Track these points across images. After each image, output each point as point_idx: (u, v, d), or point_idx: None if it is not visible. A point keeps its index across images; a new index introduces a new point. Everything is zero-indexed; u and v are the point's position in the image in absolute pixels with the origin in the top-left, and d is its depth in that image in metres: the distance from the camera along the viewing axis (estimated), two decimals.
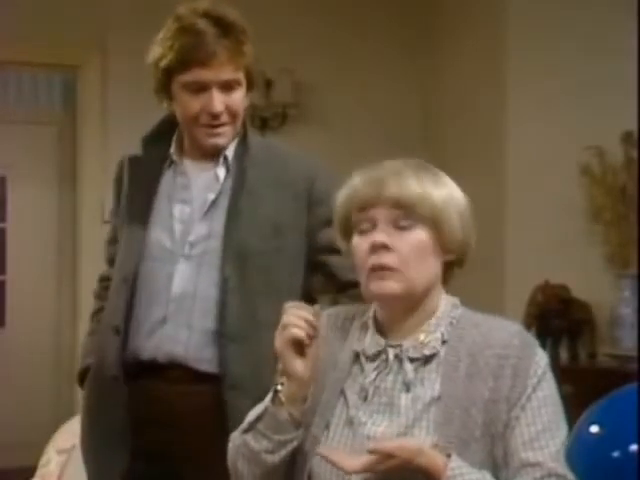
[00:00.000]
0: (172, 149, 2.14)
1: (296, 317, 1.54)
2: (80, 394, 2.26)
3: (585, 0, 4.21)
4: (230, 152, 2.11)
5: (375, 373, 1.57)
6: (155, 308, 2.04)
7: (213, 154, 2.10)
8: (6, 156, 5.87)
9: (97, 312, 2.28)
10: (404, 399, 1.54)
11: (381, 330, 1.61)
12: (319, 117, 4.96)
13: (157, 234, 2.08)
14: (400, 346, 1.57)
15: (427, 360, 1.55)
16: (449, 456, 1.43)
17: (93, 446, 2.14)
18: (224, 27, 2.00)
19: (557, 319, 4.05)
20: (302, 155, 2.20)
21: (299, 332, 1.53)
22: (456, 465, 1.42)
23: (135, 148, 2.22)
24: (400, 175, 1.53)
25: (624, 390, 1.16)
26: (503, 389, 1.49)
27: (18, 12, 4.52)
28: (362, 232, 1.57)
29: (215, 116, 2.03)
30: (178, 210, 2.09)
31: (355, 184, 1.57)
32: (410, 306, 1.57)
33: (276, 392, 1.58)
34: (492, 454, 1.49)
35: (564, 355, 4.10)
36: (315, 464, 1.56)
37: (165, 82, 2.05)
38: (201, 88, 2.01)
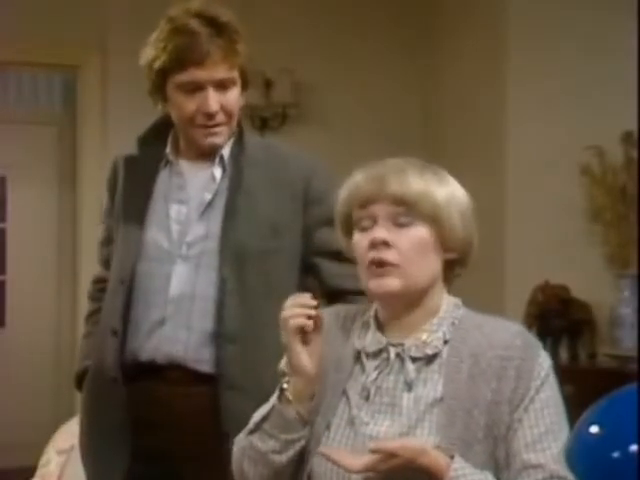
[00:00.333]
0: (168, 149, 2.14)
1: (296, 306, 1.54)
2: (79, 395, 2.26)
3: (585, 0, 4.21)
4: (226, 152, 2.11)
5: (376, 372, 1.57)
6: (153, 309, 2.04)
7: (209, 154, 2.10)
8: (6, 156, 5.87)
9: (92, 314, 2.27)
10: (406, 399, 1.53)
11: (382, 328, 1.61)
12: (319, 117, 4.96)
13: (154, 235, 2.08)
14: (402, 345, 1.56)
15: (429, 360, 1.55)
16: (452, 457, 1.43)
17: (92, 448, 2.14)
18: (217, 27, 2.00)
19: (557, 319, 4.05)
20: (299, 154, 2.20)
21: (302, 320, 1.53)
22: (459, 466, 1.42)
23: (135, 148, 2.22)
24: (402, 172, 1.54)
25: (624, 390, 1.16)
26: (506, 391, 1.49)
27: (18, 12, 4.52)
28: (363, 229, 1.57)
29: (211, 116, 2.02)
30: (174, 210, 2.09)
31: (357, 181, 1.57)
32: (410, 303, 1.57)
33: (282, 391, 1.57)
34: (494, 456, 1.48)
35: (564, 355, 4.10)
36: (316, 464, 1.56)
37: (159, 84, 2.04)
38: (196, 88, 2.01)
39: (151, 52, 2.03)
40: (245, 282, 2.03)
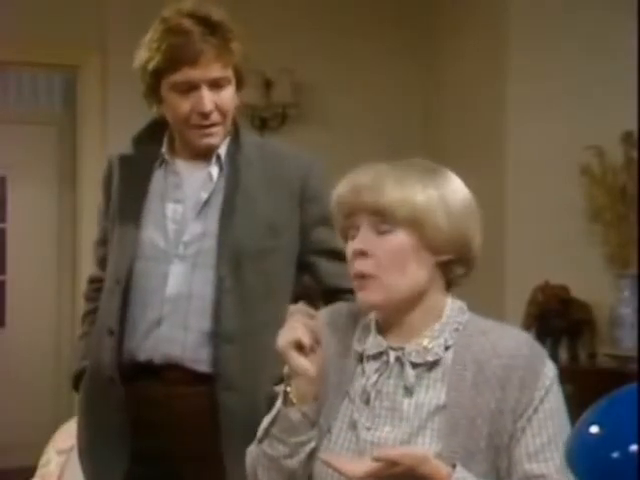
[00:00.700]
0: (164, 148, 2.14)
1: (302, 324, 1.53)
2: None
3: (586, 0, 4.22)
4: (223, 151, 2.11)
5: (376, 375, 1.56)
6: (150, 309, 2.04)
7: (205, 153, 2.10)
8: (6, 156, 5.87)
9: (88, 314, 2.27)
10: (406, 404, 1.52)
11: (382, 331, 1.59)
12: (319, 117, 4.96)
13: (150, 234, 2.08)
14: (402, 349, 1.55)
15: (431, 366, 1.54)
16: (454, 466, 1.42)
17: (90, 449, 2.14)
18: (210, 26, 2.00)
19: (557, 319, 4.05)
20: (296, 153, 2.20)
21: (305, 338, 1.52)
22: (461, 476, 1.41)
23: (130, 148, 2.22)
24: (377, 180, 1.52)
25: (624, 390, 1.15)
26: (510, 400, 1.47)
27: (18, 12, 4.52)
28: (351, 237, 1.57)
29: (205, 115, 2.02)
30: (171, 210, 2.09)
31: (338, 192, 1.58)
32: (401, 310, 1.56)
33: (286, 394, 1.57)
34: (496, 465, 1.47)
35: (564, 355, 4.10)
36: (317, 466, 1.55)
37: (154, 85, 2.05)
38: (190, 88, 2.01)
39: (145, 53, 2.03)
40: (242, 281, 2.03)
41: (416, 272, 1.53)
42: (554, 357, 3.92)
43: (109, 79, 4.62)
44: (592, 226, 4.19)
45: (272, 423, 1.58)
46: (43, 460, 3.06)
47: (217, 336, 2.00)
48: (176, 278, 2.04)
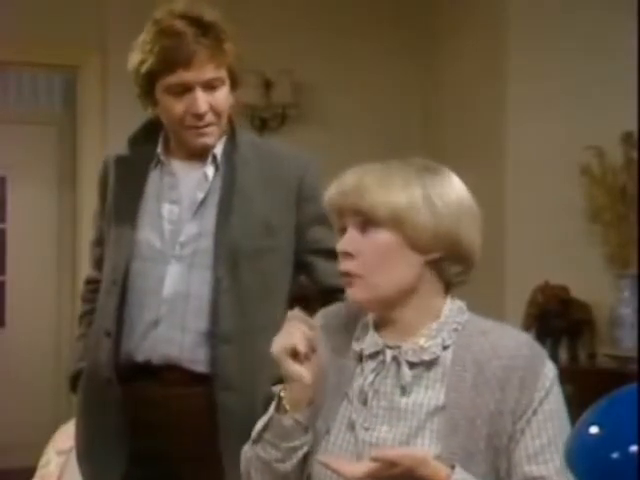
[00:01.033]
0: (159, 149, 2.14)
1: (299, 331, 1.53)
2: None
3: (585, 0, 4.21)
4: (219, 150, 2.11)
5: (373, 375, 1.56)
6: (147, 310, 2.04)
7: (201, 153, 2.10)
8: (6, 156, 5.87)
9: (85, 315, 2.27)
10: (404, 404, 1.52)
11: (379, 330, 1.60)
12: (319, 118, 4.96)
13: (146, 235, 2.07)
14: (399, 348, 1.55)
15: (430, 366, 1.54)
16: (453, 467, 1.42)
17: (89, 450, 2.14)
18: (203, 27, 2.00)
19: (557, 319, 4.05)
20: (292, 152, 2.20)
21: (300, 346, 1.51)
22: (460, 477, 1.41)
23: (125, 148, 2.22)
24: (359, 182, 1.54)
25: (624, 391, 1.15)
26: (509, 401, 1.47)
27: (18, 12, 4.52)
28: (342, 234, 1.59)
29: (200, 116, 2.02)
30: (167, 210, 2.08)
31: (327, 194, 1.60)
32: (391, 307, 1.56)
33: (279, 399, 1.57)
34: (495, 466, 1.47)
35: (564, 355, 4.10)
36: (315, 468, 1.55)
37: (148, 87, 2.05)
38: (184, 89, 2.01)
39: (138, 56, 2.03)
40: (240, 281, 2.03)
41: (402, 271, 1.54)
42: (554, 357, 3.91)
43: (109, 79, 4.62)
44: (592, 226, 4.19)
45: (265, 428, 1.58)
46: (43, 461, 3.06)
47: (215, 336, 2.00)
48: (173, 278, 2.03)
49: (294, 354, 1.52)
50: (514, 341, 1.53)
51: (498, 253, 4.19)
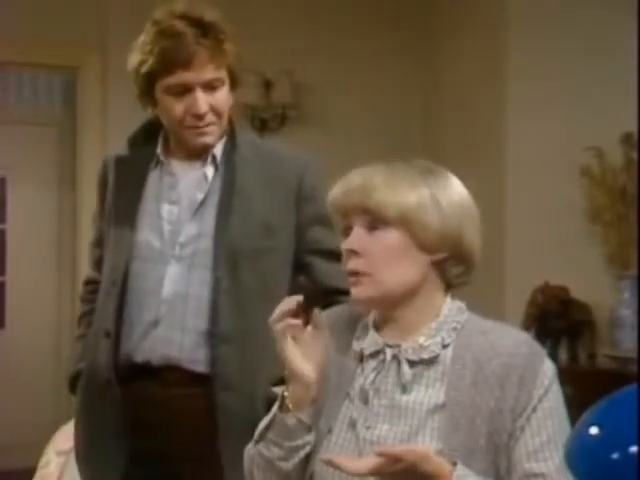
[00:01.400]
0: (159, 149, 2.14)
1: (281, 312, 1.55)
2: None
3: (585, 0, 4.22)
4: (218, 151, 2.11)
5: (374, 374, 1.57)
6: (147, 310, 2.04)
7: (201, 154, 2.10)
8: (6, 157, 5.87)
9: (84, 316, 2.27)
10: (405, 402, 1.53)
11: (380, 330, 1.61)
12: (319, 118, 4.96)
13: (146, 235, 2.07)
14: (398, 346, 1.56)
15: (430, 365, 1.54)
16: (455, 464, 1.42)
17: (88, 451, 2.14)
18: (203, 27, 2.00)
19: (557, 320, 4.05)
20: (292, 152, 2.20)
21: (284, 324, 1.54)
22: (462, 473, 1.41)
23: (125, 148, 2.21)
24: (366, 182, 1.55)
25: (624, 391, 1.15)
26: (509, 399, 1.48)
27: (18, 12, 4.52)
28: (346, 236, 1.59)
29: (200, 117, 2.02)
30: (166, 210, 2.08)
31: (332, 194, 1.61)
32: (395, 307, 1.57)
33: (283, 398, 1.57)
34: (496, 464, 1.48)
35: (564, 356, 4.10)
36: (318, 467, 1.55)
37: (148, 88, 2.05)
38: (184, 90, 2.01)
39: (137, 56, 2.03)
40: (239, 281, 2.03)
41: (408, 270, 1.55)
42: (554, 358, 3.89)
43: (109, 80, 4.62)
44: (592, 227, 4.19)
45: (268, 427, 1.58)
46: (43, 461, 3.06)
47: (214, 336, 2.00)
48: (172, 279, 2.03)
49: (294, 338, 1.53)
50: (513, 340, 1.54)
51: (498, 253, 4.19)
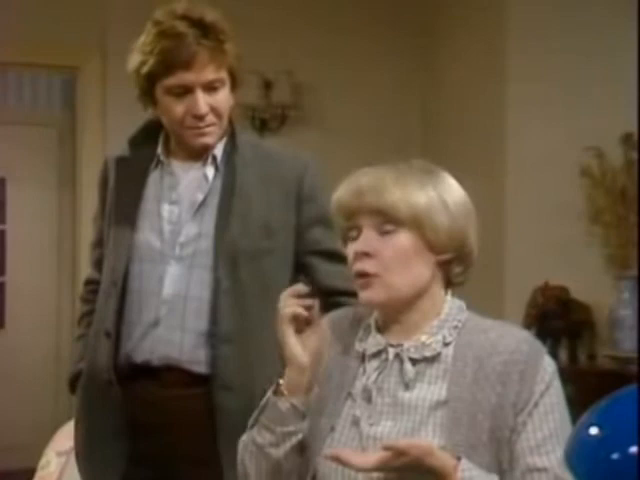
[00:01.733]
0: (159, 150, 2.14)
1: (290, 296, 1.57)
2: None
3: (585, 0, 4.21)
4: (219, 151, 2.11)
5: (376, 373, 1.58)
6: (147, 311, 2.04)
7: (201, 154, 2.10)
8: (6, 158, 5.87)
9: (84, 316, 2.26)
10: (407, 399, 1.54)
11: (382, 331, 1.61)
12: (318, 118, 4.95)
13: (146, 235, 2.07)
14: (401, 346, 1.57)
15: (432, 363, 1.55)
16: (459, 459, 1.43)
17: (88, 451, 2.14)
18: (203, 27, 1.99)
19: (557, 320, 4.05)
20: (292, 153, 2.20)
21: (293, 308, 1.55)
22: (467, 467, 1.42)
23: (125, 149, 2.21)
24: (378, 182, 1.54)
25: (624, 392, 1.15)
26: (510, 394, 1.49)
27: (18, 13, 4.52)
28: (352, 239, 1.59)
29: (200, 118, 2.02)
30: (166, 210, 2.08)
31: (338, 195, 1.60)
32: (404, 307, 1.58)
33: (278, 385, 1.59)
34: (498, 459, 1.48)
35: (564, 356, 4.10)
36: (320, 464, 1.56)
37: (148, 88, 2.04)
38: (185, 91, 2.00)
39: (138, 57, 2.03)
40: (239, 282, 2.03)
41: (419, 271, 1.56)
42: (554, 358, 3.87)
43: (109, 81, 4.62)
44: (592, 227, 4.19)
45: (261, 411, 1.60)
46: (42, 462, 3.05)
47: (214, 337, 2.00)
48: (172, 279, 2.04)
49: (296, 324, 1.56)
50: (514, 338, 1.55)
51: (498, 253, 4.19)
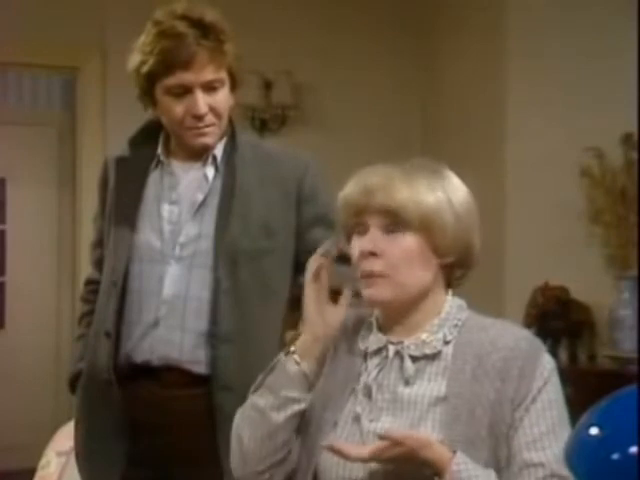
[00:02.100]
0: (159, 150, 2.14)
1: (316, 257, 1.61)
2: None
3: (585, 0, 4.21)
4: (219, 151, 2.11)
5: (377, 370, 1.59)
6: (147, 311, 2.04)
7: (201, 154, 2.10)
8: (6, 158, 5.87)
9: (84, 316, 2.27)
10: (407, 395, 1.55)
11: (383, 329, 1.62)
12: (318, 119, 4.95)
13: (146, 235, 2.08)
14: (401, 343, 1.58)
15: (431, 360, 1.56)
16: (455, 452, 1.44)
17: (87, 451, 2.14)
18: (203, 28, 2.00)
19: (556, 320, 4.05)
20: (292, 153, 2.20)
21: (314, 265, 1.61)
22: (462, 460, 1.43)
23: (126, 149, 2.21)
24: (388, 182, 1.54)
25: (624, 392, 1.15)
26: (508, 390, 1.50)
27: (18, 14, 4.52)
28: (358, 233, 1.59)
29: (200, 118, 2.03)
30: (167, 211, 2.09)
31: (347, 193, 1.60)
32: (405, 308, 1.59)
33: (289, 352, 1.61)
34: (496, 454, 1.49)
35: (563, 357, 4.10)
36: (322, 459, 1.57)
37: (148, 88, 2.05)
38: (184, 91, 2.01)
39: (138, 57, 2.03)
40: (239, 282, 2.03)
41: (422, 273, 1.57)
42: (554, 358, 3.90)
43: (108, 81, 4.62)
44: (592, 227, 4.19)
45: (269, 372, 1.62)
46: (43, 462, 3.05)
47: (214, 337, 2.01)
48: (172, 279, 2.04)
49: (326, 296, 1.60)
50: (513, 336, 1.56)
51: (498, 253, 4.18)
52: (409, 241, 1.54)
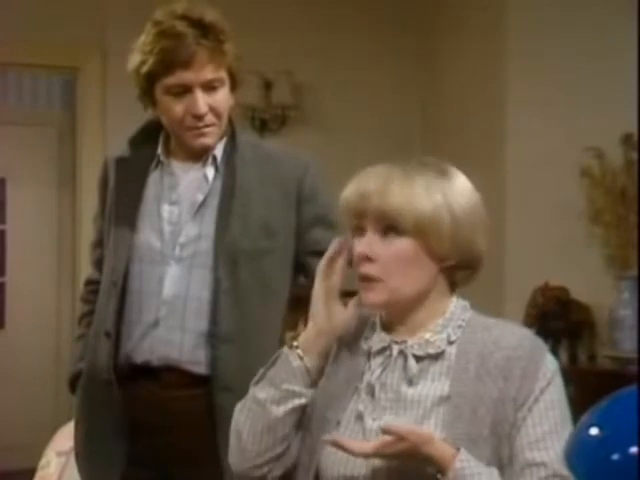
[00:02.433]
0: (159, 150, 2.14)
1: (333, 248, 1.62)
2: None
3: (585, 0, 4.21)
4: (219, 152, 2.11)
5: (380, 369, 1.59)
6: (147, 311, 2.04)
7: (201, 154, 2.10)
8: (6, 158, 5.87)
9: (84, 316, 2.27)
10: (410, 394, 1.55)
11: (387, 329, 1.62)
12: (319, 119, 4.95)
13: (146, 236, 2.08)
14: (405, 342, 1.58)
15: (435, 360, 1.56)
16: (458, 449, 1.44)
17: (87, 451, 2.14)
18: (203, 27, 2.00)
19: (557, 321, 4.05)
20: (292, 153, 2.20)
21: (324, 261, 1.61)
22: (465, 458, 1.43)
23: (126, 150, 2.21)
24: (384, 186, 1.54)
25: (624, 392, 1.15)
26: (511, 390, 1.50)
27: (18, 14, 4.52)
28: (358, 236, 1.59)
29: (200, 117, 2.03)
30: (167, 211, 2.09)
31: (346, 195, 1.60)
32: (407, 309, 1.59)
33: (292, 346, 1.62)
34: (498, 453, 1.49)
35: (564, 357, 4.10)
36: (324, 457, 1.57)
37: (148, 88, 2.05)
38: (184, 90, 2.01)
39: (138, 57, 2.03)
40: (239, 282, 2.03)
41: (419, 277, 1.56)
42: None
43: (109, 81, 4.62)
44: (592, 227, 4.19)
45: (271, 365, 1.62)
46: (43, 462, 3.05)
47: (214, 337, 2.01)
48: (172, 280, 2.04)
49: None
50: (516, 335, 1.56)
51: (498, 254, 4.18)
52: (404, 245, 1.54)
